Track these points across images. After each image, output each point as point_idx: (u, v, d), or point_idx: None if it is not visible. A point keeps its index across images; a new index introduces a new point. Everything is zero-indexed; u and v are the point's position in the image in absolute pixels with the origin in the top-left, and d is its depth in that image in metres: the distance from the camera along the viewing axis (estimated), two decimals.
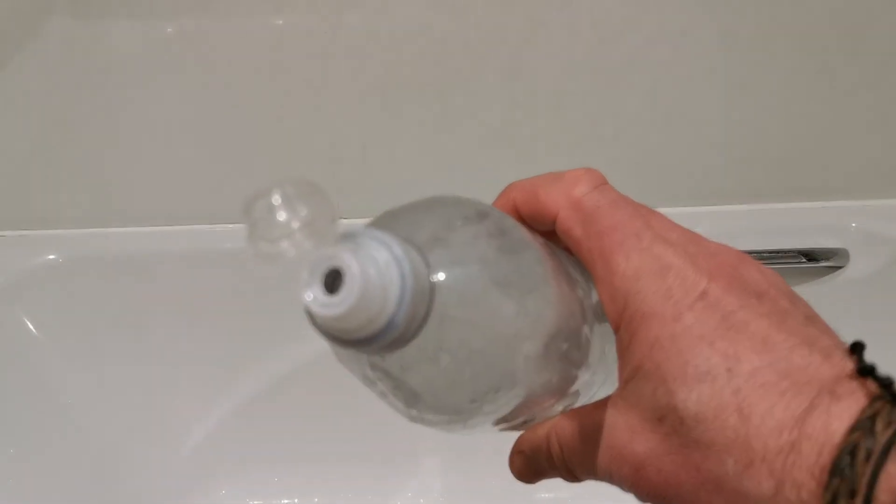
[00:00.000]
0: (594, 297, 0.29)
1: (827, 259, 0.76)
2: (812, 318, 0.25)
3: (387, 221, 0.26)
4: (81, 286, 0.76)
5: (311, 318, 0.23)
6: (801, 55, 0.72)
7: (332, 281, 0.22)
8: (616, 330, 0.26)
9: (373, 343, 0.22)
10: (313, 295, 0.22)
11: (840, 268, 0.76)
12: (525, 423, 0.30)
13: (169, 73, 0.70)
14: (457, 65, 0.70)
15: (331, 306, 0.21)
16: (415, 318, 0.22)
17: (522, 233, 0.27)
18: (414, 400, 0.26)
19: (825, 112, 0.75)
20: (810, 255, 0.76)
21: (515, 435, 0.31)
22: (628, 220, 0.27)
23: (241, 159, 0.75)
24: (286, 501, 0.83)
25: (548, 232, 0.29)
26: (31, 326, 0.76)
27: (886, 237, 0.76)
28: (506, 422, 0.29)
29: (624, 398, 0.25)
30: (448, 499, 0.83)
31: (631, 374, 0.25)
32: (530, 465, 0.30)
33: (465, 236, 0.25)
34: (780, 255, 0.75)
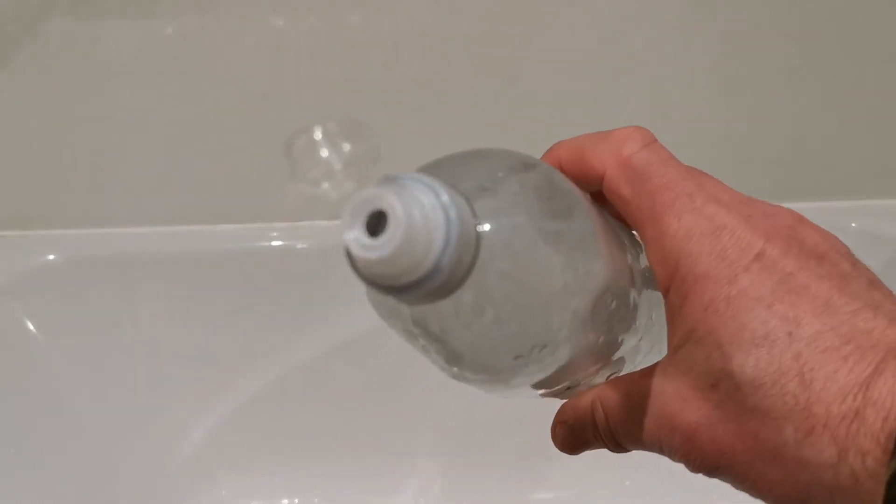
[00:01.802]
0: (642, 262, 0.28)
1: None
2: (875, 283, 0.24)
3: (432, 168, 0.25)
4: (81, 286, 0.76)
5: (352, 262, 0.21)
6: (801, 55, 0.72)
7: (375, 223, 0.21)
8: (666, 293, 0.25)
9: (415, 290, 0.21)
10: (355, 237, 0.21)
11: None
12: (568, 389, 0.28)
13: (169, 73, 0.70)
14: (457, 65, 0.70)
15: (373, 249, 0.20)
16: (460, 266, 0.21)
17: (570, 186, 0.26)
18: (456, 356, 0.25)
19: (825, 112, 0.75)
20: None
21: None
22: (680, 180, 0.25)
23: (241, 159, 0.75)
24: (286, 501, 0.83)
25: (594, 194, 0.28)
26: (31, 326, 0.76)
27: (886, 237, 0.76)
28: (548, 387, 0.28)
29: (674, 364, 0.24)
30: (448, 499, 0.83)
31: (683, 338, 0.24)
32: (574, 435, 0.28)
33: (512, 186, 0.24)
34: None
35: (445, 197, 0.21)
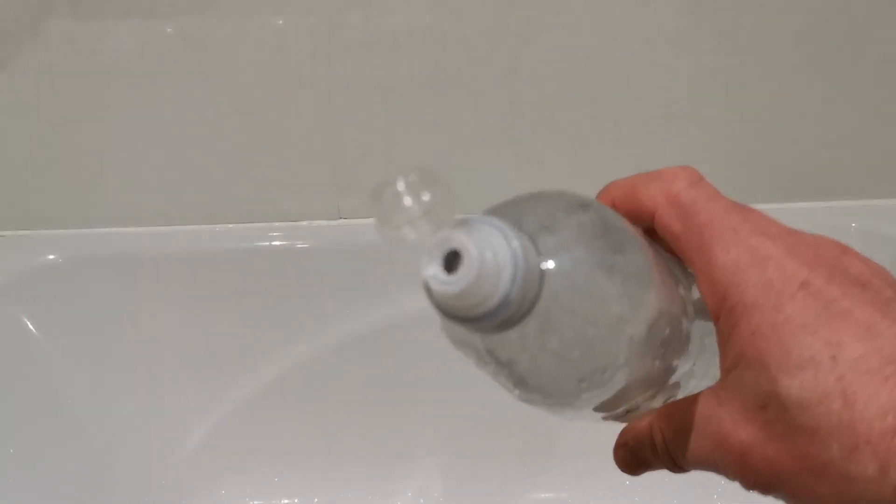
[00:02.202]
0: (694, 293, 0.30)
1: None
2: None
3: (498, 211, 0.27)
4: (81, 286, 0.76)
5: (430, 295, 0.24)
6: (801, 55, 0.72)
7: (451, 261, 0.23)
8: (716, 321, 0.27)
9: (486, 321, 0.24)
10: (433, 273, 0.23)
11: None
12: (627, 412, 0.30)
13: (169, 73, 0.70)
14: (457, 65, 0.70)
15: (449, 284, 0.23)
16: (526, 298, 0.24)
17: (623, 223, 0.29)
18: (524, 381, 0.27)
19: (825, 112, 0.75)
20: None
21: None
22: (725, 215, 0.27)
23: (241, 159, 0.75)
24: (286, 501, 0.83)
25: (647, 229, 0.30)
26: (31, 326, 0.76)
27: (886, 237, 0.76)
28: (609, 410, 0.30)
29: (726, 388, 0.26)
30: (448, 498, 0.83)
31: (733, 363, 0.25)
32: (635, 456, 0.30)
33: (570, 224, 0.27)
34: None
35: (513, 237, 0.24)
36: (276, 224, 0.77)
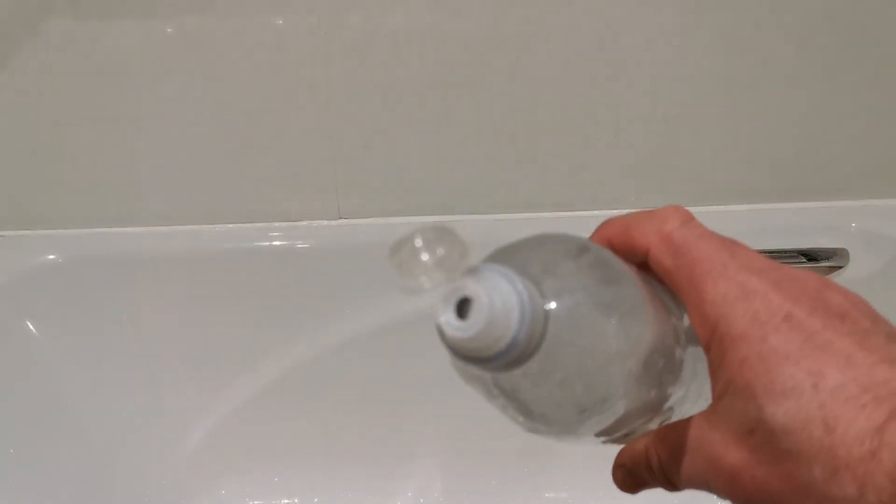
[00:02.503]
0: (685, 322, 0.32)
1: (827, 259, 0.76)
2: (893, 337, 0.27)
3: (503, 257, 0.30)
4: (81, 286, 0.76)
5: (444, 339, 0.26)
6: (802, 55, 0.72)
7: (462, 307, 0.25)
8: (707, 351, 0.29)
9: (496, 361, 0.26)
10: (447, 319, 0.25)
11: (840, 268, 0.76)
12: (625, 436, 0.33)
13: (169, 73, 0.70)
14: (457, 65, 0.70)
15: (462, 329, 0.25)
16: (532, 338, 0.26)
17: (619, 263, 0.31)
18: (530, 412, 0.29)
19: (825, 112, 0.75)
20: (810, 255, 0.76)
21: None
22: (714, 252, 0.29)
23: (241, 159, 0.75)
24: (286, 501, 0.83)
25: (641, 264, 0.32)
26: (31, 326, 0.76)
27: (886, 237, 0.76)
28: (608, 434, 0.32)
29: (717, 413, 0.28)
30: (448, 499, 0.83)
31: (722, 390, 0.28)
32: (632, 476, 0.33)
33: (571, 267, 0.29)
34: (780, 255, 0.75)
35: (518, 283, 0.26)
36: (276, 224, 0.77)
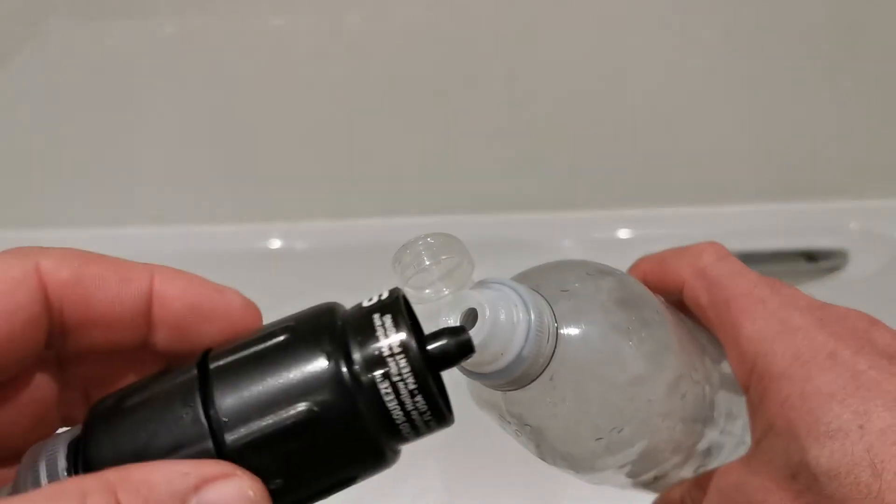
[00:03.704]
0: (725, 367, 0.30)
1: (827, 259, 0.76)
2: None
3: (521, 276, 0.29)
4: None
5: None
6: (802, 55, 0.72)
7: (467, 320, 0.24)
8: (745, 391, 0.27)
9: (500, 376, 0.25)
10: None
11: (840, 268, 0.76)
12: (656, 479, 0.31)
13: (169, 73, 0.70)
14: (457, 65, 0.70)
15: None
16: (539, 356, 0.25)
17: (642, 290, 0.29)
18: (544, 439, 0.28)
19: (825, 112, 0.75)
20: (810, 255, 0.76)
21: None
22: (752, 288, 0.28)
23: (241, 159, 0.75)
24: None
25: (677, 302, 0.30)
26: None
27: (886, 237, 0.76)
28: (636, 476, 0.30)
29: (757, 457, 0.26)
30: (448, 499, 0.83)
31: (763, 433, 0.26)
32: None
33: (588, 289, 0.28)
34: (780, 255, 0.75)
35: (528, 298, 0.25)
36: (276, 224, 0.77)
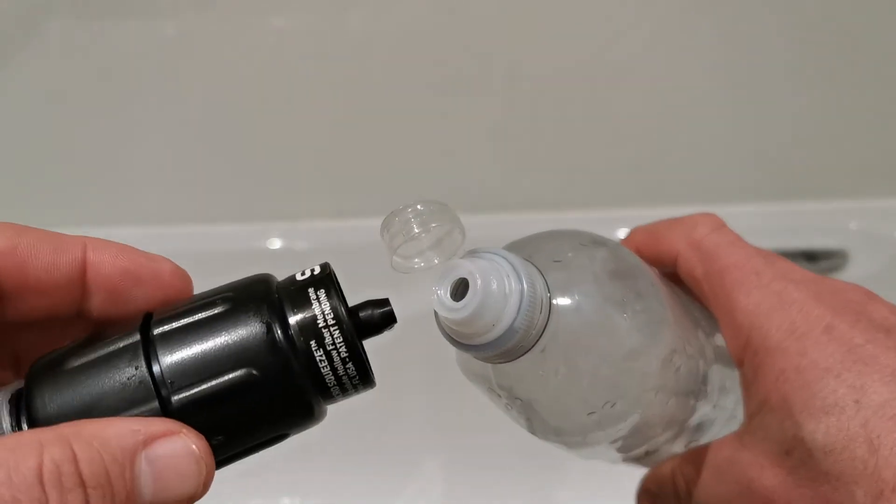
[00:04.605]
0: (718, 340, 0.29)
1: (827, 259, 0.76)
2: None
3: (514, 245, 0.28)
4: None
5: (438, 321, 0.25)
6: (801, 55, 0.72)
7: (459, 290, 0.24)
8: (739, 365, 0.26)
9: (491, 348, 0.24)
10: (441, 300, 0.24)
11: (840, 268, 0.76)
12: (647, 454, 0.30)
13: (169, 73, 0.70)
14: (457, 65, 0.70)
15: (455, 310, 0.24)
16: (531, 328, 0.24)
17: (638, 261, 0.28)
18: (535, 413, 0.27)
19: (825, 112, 0.75)
20: (810, 255, 0.76)
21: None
22: (747, 260, 0.27)
23: (241, 159, 0.75)
24: (286, 501, 0.83)
25: (671, 274, 0.29)
26: None
27: (886, 237, 0.76)
28: (627, 451, 0.29)
29: (750, 432, 0.25)
30: (448, 499, 0.83)
31: (756, 408, 0.25)
32: (658, 503, 0.30)
33: (581, 258, 0.27)
34: (779, 255, 0.75)
35: (521, 268, 0.24)
36: (276, 224, 0.77)
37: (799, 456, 0.24)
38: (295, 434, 0.25)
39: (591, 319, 0.26)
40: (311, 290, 0.23)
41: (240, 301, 0.24)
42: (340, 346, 0.22)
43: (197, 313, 0.23)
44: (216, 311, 0.23)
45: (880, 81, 0.73)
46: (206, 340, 0.22)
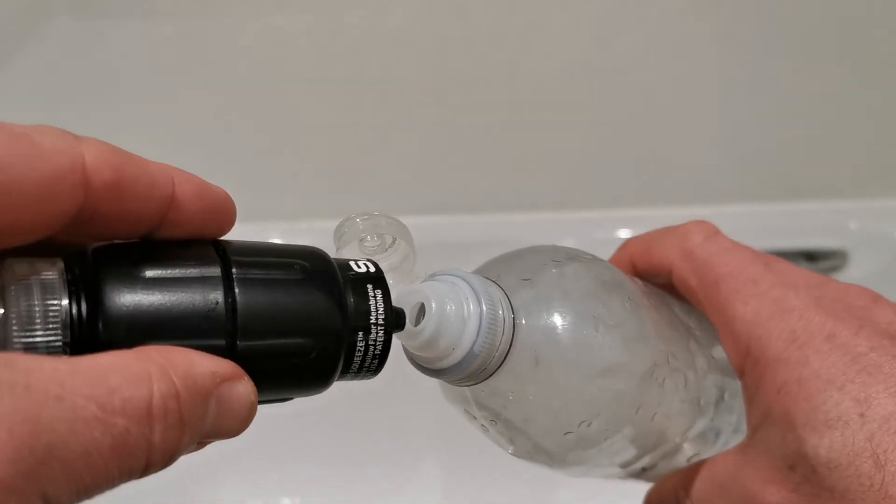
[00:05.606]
0: (718, 351, 0.29)
1: (827, 259, 0.76)
2: None
3: (484, 267, 0.27)
4: None
5: (403, 347, 0.25)
6: (801, 54, 0.72)
7: (416, 314, 0.24)
8: (741, 377, 0.26)
9: (454, 372, 0.24)
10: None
11: (840, 268, 0.76)
12: (644, 470, 0.29)
13: (169, 73, 0.70)
14: (457, 65, 0.70)
15: (413, 336, 0.24)
16: (493, 349, 0.24)
17: (615, 275, 0.27)
18: (512, 433, 0.27)
19: (825, 112, 0.75)
20: (810, 255, 0.76)
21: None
22: (743, 267, 0.26)
23: (240, 160, 0.75)
24: (286, 501, 0.83)
25: (668, 286, 0.29)
26: None
27: (886, 237, 0.76)
28: (623, 467, 0.29)
29: (753, 446, 0.25)
30: (448, 499, 0.83)
31: (759, 421, 0.24)
32: None
33: (551, 276, 0.26)
34: (780, 255, 0.75)
35: (479, 290, 0.24)
36: (276, 224, 0.77)
37: (802, 471, 0.23)
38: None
39: (560, 338, 0.25)
40: (369, 287, 0.24)
41: (314, 275, 0.24)
42: (379, 344, 0.23)
43: (276, 270, 0.24)
44: (295, 277, 0.24)
45: (880, 81, 0.73)
46: (283, 300, 0.23)
